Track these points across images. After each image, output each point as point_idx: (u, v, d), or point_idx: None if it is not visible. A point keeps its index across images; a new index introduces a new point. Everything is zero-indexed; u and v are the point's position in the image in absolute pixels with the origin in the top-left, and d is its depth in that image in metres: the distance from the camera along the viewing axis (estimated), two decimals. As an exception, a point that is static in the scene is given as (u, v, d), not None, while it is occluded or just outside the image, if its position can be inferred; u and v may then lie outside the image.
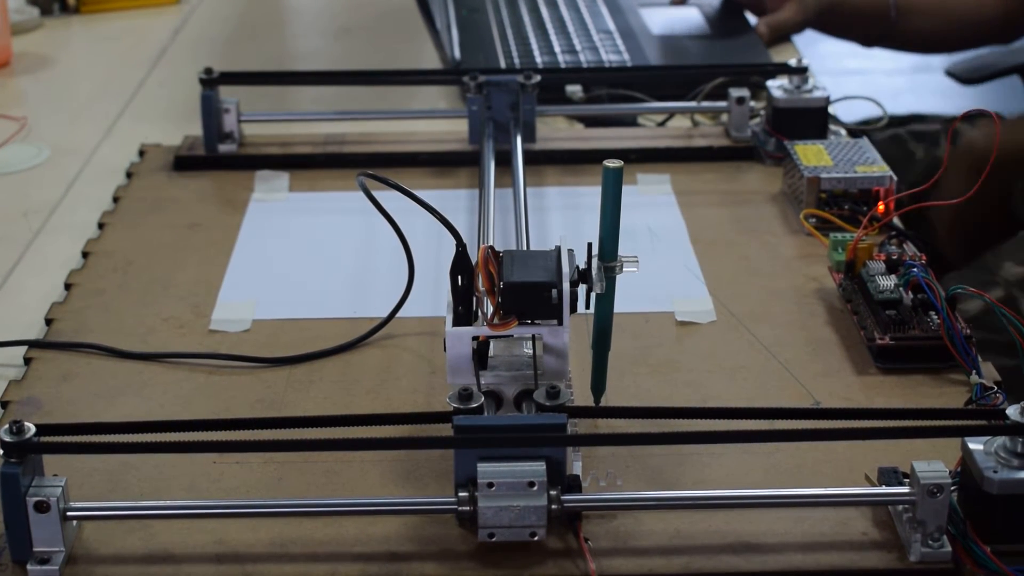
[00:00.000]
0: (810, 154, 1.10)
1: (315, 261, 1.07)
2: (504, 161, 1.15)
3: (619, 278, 1.02)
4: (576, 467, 0.75)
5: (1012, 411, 0.71)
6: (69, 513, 0.73)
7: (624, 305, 0.98)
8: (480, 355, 0.79)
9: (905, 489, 0.73)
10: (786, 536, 0.74)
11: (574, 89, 1.33)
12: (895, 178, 1.07)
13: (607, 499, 0.75)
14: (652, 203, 1.15)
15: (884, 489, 0.74)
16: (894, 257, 0.95)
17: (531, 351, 0.80)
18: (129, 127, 1.36)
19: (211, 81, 1.20)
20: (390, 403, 0.87)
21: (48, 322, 0.97)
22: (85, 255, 1.07)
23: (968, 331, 0.88)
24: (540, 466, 0.71)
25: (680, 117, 1.32)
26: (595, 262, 0.78)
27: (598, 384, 0.84)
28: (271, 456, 0.81)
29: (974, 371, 0.86)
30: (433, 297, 0.97)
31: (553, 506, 0.71)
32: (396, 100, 1.41)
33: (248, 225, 1.11)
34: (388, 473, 0.80)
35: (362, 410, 0.86)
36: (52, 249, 1.10)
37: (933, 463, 0.72)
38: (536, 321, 0.78)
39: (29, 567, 0.72)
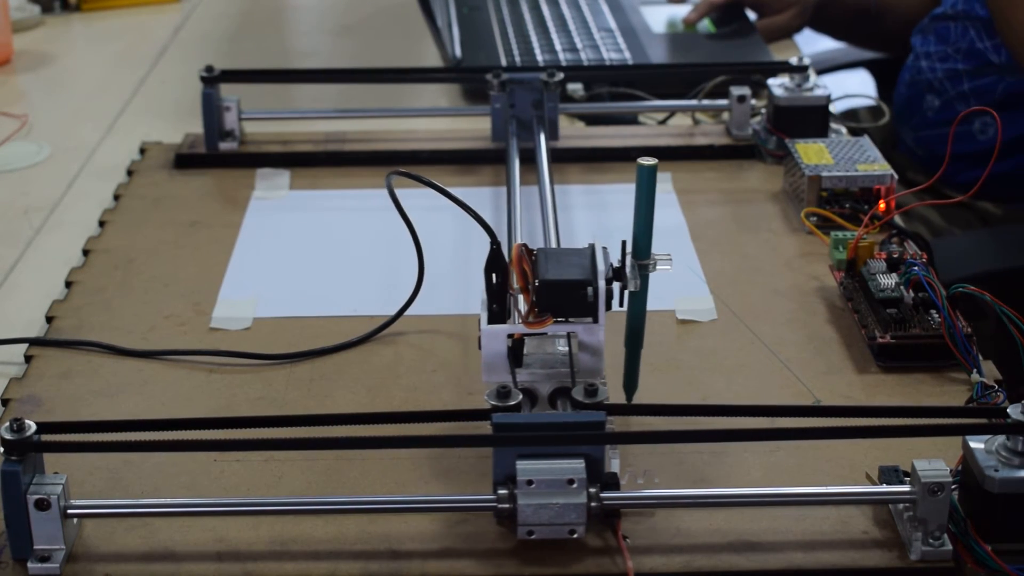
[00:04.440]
0: (811, 152, 1.10)
1: (316, 259, 1.07)
2: (520, 159, 1.14)
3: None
4: (614, 464, 0.75)
5: (1013, 410, 0.71)
6: (70, 511, 0.72)
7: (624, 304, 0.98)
8: (515, 353, 0.79)
9: (906, 488, 0.72)
10: (787, 534, 0.74)
11: (575, 87, 1.33)
12: (896, 176, 1.07)
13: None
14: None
15: (885, 488, 0.74)
16: (895, 255, 0.95)
17: (565, 349, 0.80)
18: (130, 125, 1.36)
19: (212, 79, 1.20)
20: (391, 401, 0.87)
21: (49, 320, 0.97)
22: (86, 253, 1.07)
23: (969, 330, 0.88)
24: (579, 464, 0.71)
25: (681, 115, 1.32)
26: (628, 260, 0.78)
27: (630, 382, 0.84)
28: (271, 454, 0.81)
29: (975, 370, 0.86)
30: (432, 296, 0.97)
31: (592, 504, 0.71)
32: (397, 98, 1.41)
33: (249, 223, 1.11)
34: (389, 472, 0.80)
35: (363, 408, 0.86)
36: (53, 247, 1.10)
37: (934, 462, 0.72)
38: (570, 319, 0.78)
39: (30, 565, 0.72)
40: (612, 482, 0.73)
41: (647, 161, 0.77)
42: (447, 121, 1.32)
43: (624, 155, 1.21)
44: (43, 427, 0.72)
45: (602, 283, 0.77)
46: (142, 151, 1.25)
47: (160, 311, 0.98)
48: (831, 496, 0.76)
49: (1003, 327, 0.84)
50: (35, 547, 0.72)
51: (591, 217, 1.12)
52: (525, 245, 0.79)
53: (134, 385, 0.89)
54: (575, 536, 0.72)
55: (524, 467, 0.71)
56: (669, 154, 1.22)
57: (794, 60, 1.21)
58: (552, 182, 1.07)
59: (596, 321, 0.77)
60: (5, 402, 0.87)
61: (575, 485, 0.71)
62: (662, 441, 0.78)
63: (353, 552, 0.73)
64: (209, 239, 1.09)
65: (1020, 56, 1.39)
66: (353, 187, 1.18)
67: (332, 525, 0.75)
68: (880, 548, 0.73)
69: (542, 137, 1.15)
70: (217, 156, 1.22)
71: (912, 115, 1.61)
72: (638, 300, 0.81)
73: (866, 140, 1.13)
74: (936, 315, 0.89)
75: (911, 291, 0.92)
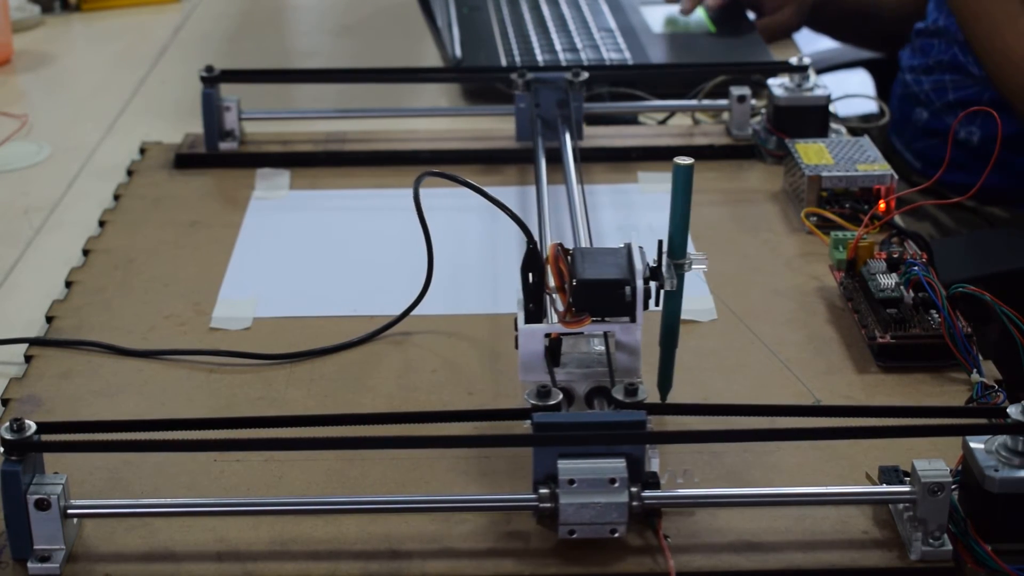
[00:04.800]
0: (811, 152, 1.10)
1: (316, 259, 1.07)
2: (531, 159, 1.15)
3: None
4: (654, 464, 0.75)
5: (1013, 410, 0.71)
6: (70, 511, 0.72)
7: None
8: (553, 352, 0.79)
9: (906, 488, 0.73)
10: (787, 534, 0.74)
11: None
12: (896, 176, 1.07)
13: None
14: (653, 201, 1.15)
15: (885, 488, 0.74)
16: (895, 255, 0.95)
17: (600, 348, 0.80)
18: (130, 125, 1.36)
19: (212, 79, 1.20)
20: (391, 401, 0.87)
21: (49, 320, 0.97)
22: (86, 253, 1.07)
23: (969, 330, 0.88)
24: (621, 463, 0.71)
25: (681, 115, 1.32)
26: (664, 259, 0.78)
27: (665, 381, 0.84)
28: (271, 454, 0.81)
29: (975, 370, 0.86)
30: (432, 297, 0.97)
31: (634, 503, 0.71)
32: (397, 98, 1.41)
33: (249, 223, 1.11)
34: (389, 472, 0.80)
35: (362, 408, 0.86)
36: (53, 247, 1.10)
37: (934, 462, 0.72)
38: (606, 318, 0.78)
39: (30, 565, 0.72)
40: (652, 481, 0.73)
41: (683, 160, 0.78)
42: (447, 121, 1.32)
43: (624, 155, 1.22)
44: (43, 427, 0.72)
45: (640, 282, 0.77)
46: (142, 151, 1.25)
47: (160, 311, 0.98)
48: (831, 496, 0.76)
49: (1005, 328, 0.85)
50: (35, 547, 0.72)
51: (594, 216, 1.12)
52: (561, 244, 0.79)
53: (134, 385, 0.89)
54: (616, 535, 0.72)
55: (566, 466, 0.71)
56: (669, 154, 1.21)
57: (794, 60, 1.21)
58: (581, 181, 1.06)
59: (634, 320, 0.78)
60: (5, 402, 0.87)
61: (617, 484, 0.71)
62: (704, 441, 0.78)
63: (353, 552, 0.73)
64: (209, 239, 1.09)
65: (1000, 81, 1.40)
66: (353, 187, 1.18)
67: (332, 525, 0.75)
68: (880, 548, 0.73)
69: (567, 137, 1.15)
70: (217, 156, 1.22)
71: (905, 128, 1.62)
72: (673, 299, 0.81)
73: (866, 140, 1.13)
74: (936, 315, 0.89)
75: (911, 291, 0.92)
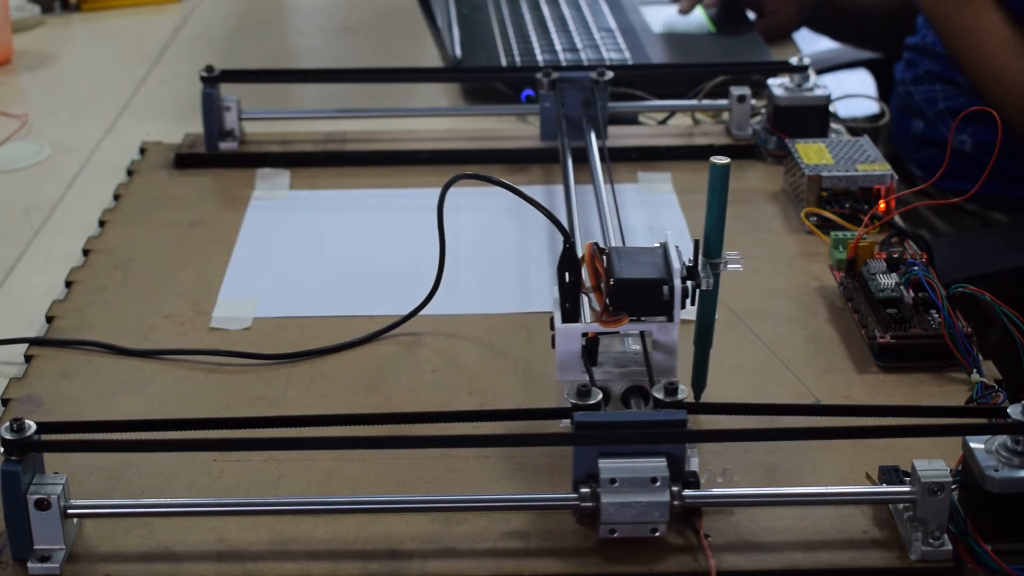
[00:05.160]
0: (811, 152, 1.10)
1: (316, 259, 1.07)
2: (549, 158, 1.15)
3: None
4: (693, 463, 0.75)
5: (1013, 410, 0.71)
6: (70, 511, 0.73)
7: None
8: (591, 352, 0.79)
9: (906, 488, 0.73)
10: (787, 534, 0.74)
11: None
12: (896, 176, 1.07)
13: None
14: (653, 201, 1.15)
15: (885, 488, 0.74)
16: (895, 255, 0.96)
17: (635, 347, 0.80)
18: (130, 125, 1.36)
19: (212, 79, 1.20)
20: (391, 401, 0.87)
21: (49, 320, 0.97)
22: (86, 253, 1.07)
23: (969, 329, 0.88)
24: (662, 462, 0.71)
25: (681, 115, 1.32)
26: (701, 259, 0.79)
27: (699, 381, 0.84)
28: (271, 454, 0.81)
29: (975, 370, 0.86)
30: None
31: (675, 502, 0.71)
32: (397, 98, 1.41)
33: (249, 223, 1.11)
34: (389, 472, 0.80)
35: (362, 408, 0.86)
36: (53, 247, 1.10)
37: (934, 462, 0.72)
38: (643, 318, 0.78)
39: (30, 565, 0.72)
40: (692, 481, 0.73)
41: (720, 160, 0.78)
42: (447, 121, 1.32)
43: (624, 155, 1.21)
44: (43, 427, 0.72)
45: (678, 282, 0.77)
46: (142, 151, 1.25)
47: (160, 311, 0.98)
48: (831, 496, 0.76)
49: (1006, 331, 0.85)
50: (35, 547, 0.72)
51: (592, 217, 1.12)
52: (596, 244, 0.79)
53: (134, 385, 0.89)
54: (656, 534, 0.72)
55: (607, 466, 0.71)
56: (669, 154, 1.22)
57: (794, 60, 1.21)
58: (611, 181, 1.06)
59: (671, 320, 0.78)
60: (5, 402, 0.87)
61: (659, 484, 0.71)
62: (747, 440, 0.79)
63: (353, 552, 0.73)
64: (209, 239, 1.09)
65: (985, 91, 1.41)
66: (353, 187, 1.18)
67: (332, 525, 0.75)
68: (880, 548, 0.73)
69: (593, 136, 1.15)
70: (217, 156, 1.22)
71: (904, 139, 1.63)
72: (709, 299, 0.81)
73: (866, 140, 1.13)
74: (936, 315, 0.89)
75: (911, 291, 0.92)
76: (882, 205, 1.05)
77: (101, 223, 1.12)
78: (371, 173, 1.20)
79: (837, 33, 1.81)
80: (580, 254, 0.80)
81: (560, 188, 1.11)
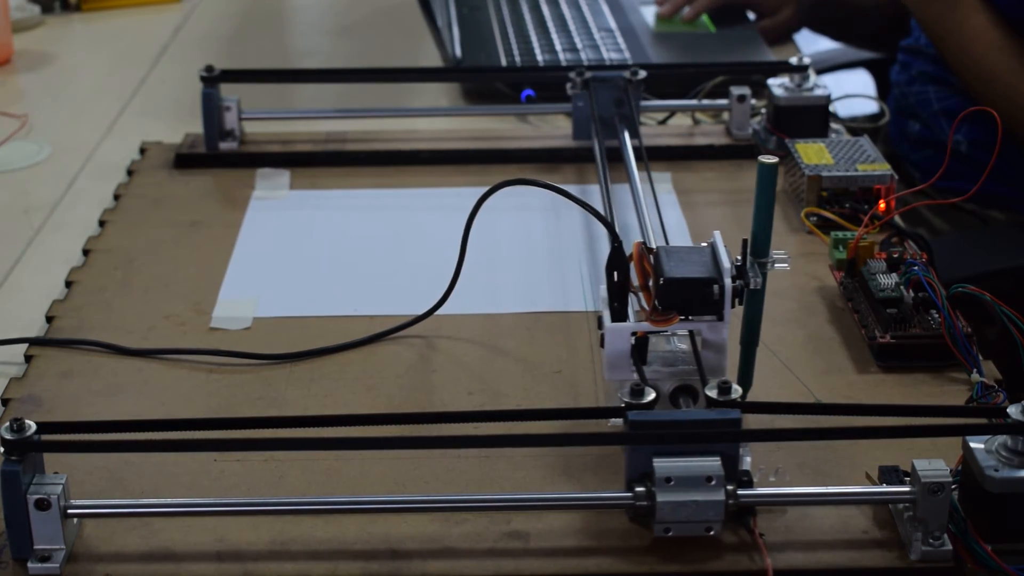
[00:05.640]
0: (811, 152, 1.10)
1: (316, 259, 1.07)
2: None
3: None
4: (746, 462, 0.75)
5: (1013, 410, 0.71)
6: (70, 511, 0.72)
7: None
8: (640, 351, 0.79)
9: (906, 488, 0.72)
10: (787, 534, 0.74)
11: (575, 87, 1.33)
12: (896, 176, 1.07)
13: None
14: (653, 201, 1.14)
15: (885, 488, 0.74)
16: (895, 255, 0.96)
17: (682, 346, 0.80)
18: (130, 125, 1.36)
19: (212, 79, 1.20)
20: (391, 401, 0.87)
21: (49, 320, 0.97)
22: (86, 253, 1.07)
23: (969, 329, 0.88)
24: (716, 461, 0.71)
25: (681, 115, 1.32)
26: (749, 258, 0.79)
27: (745, 379, 0.84)
28: (271, 454, 0.81)
29: (975, 370, 0.86)
30: (429, 297, 0.97)
31: (730, 501, 0.72)
32: (397, 98, 1.41)
33: (249, 223, 1.11)
34: (389, 472, 0.80)
35: (362, 408, 0.86)
36: (53, 247, 1.10)
37: (934, 462, 0.72)
38: (691, 317, 0.78)
39: (30, 565, 0.72)
40: (746, 480, 0.73)
41: (768, 159, 0.78)
42: (447, 121, 1.32)
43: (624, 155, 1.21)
44: (43, 427, 0.72)
45: (728, 281, 0.77)
46: (142, 151, 1.25)
47: (160, 311, 0.98)
48: (831, 496, 0.76)
49: (1005, 330, 0.85)
50: (35, 547, 0.72)
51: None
52: (644, 243, 0.79)
53: (134, 385, 0.89)
54: (711, 533, 0.72)
55: (662, 465, 0.71)
56: (669, 154, 1.22)
57: (794, 60, 1.21)
58: (651, 180, 1.06)
59: (721, 319, 0.78)
60: (5, 402, 0.87)
61: (714, 483, 0.71)
62: (805, 439, 0.79)
63: (353, 552, 0.73)
64: (209, 239, 1.09)
65: (977, 93, 1.41)
66: (353, 187, 1.18)
67: (332, 525, 0.75)
68: (880, 548, 0.73)
69: (626, 135, 1.15)
70: (217, 156, 1.22)
71: (902, 141, 1.63)
72: (756, 298, 0.81)
73: (866, 140, 1.13)
74: (936, 315, 0.89)
75: (911, 291, 0.92)
76: (882, 205, 1.05)
77: (101, 223, 1.12)
78: (371, 173, 1.20)
79: (837, 33, 1.81)
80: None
81: (594, 187, 1.11)
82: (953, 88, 1.53)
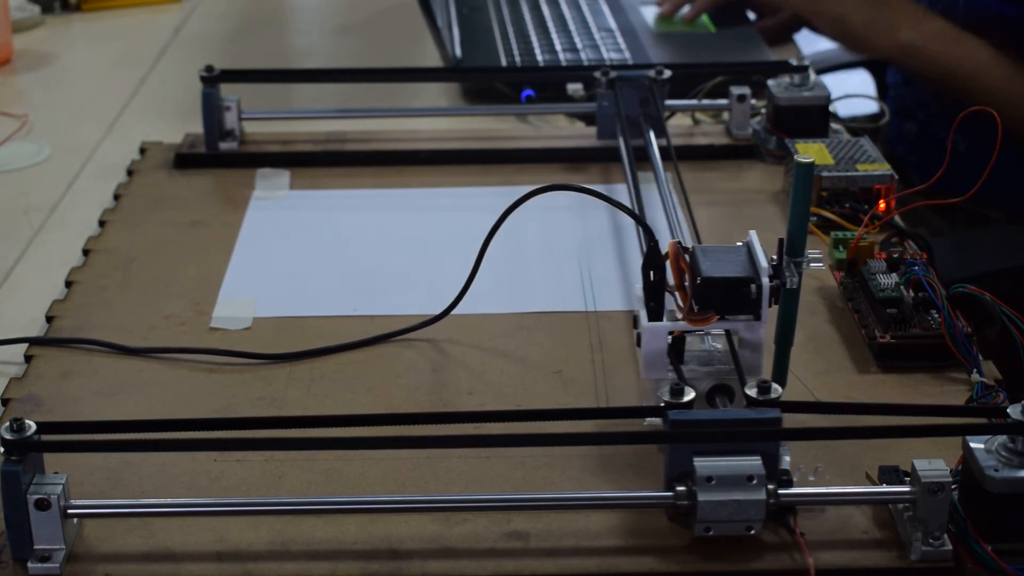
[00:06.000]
0: (811, 152, 1.10)
1: (316, 259, 1.06)
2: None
3: (621, 276, 1.03)
4: (785, 461, 0.75)
5: (1013, 410, 0.71)
6: (70, 511, 0.72)
7: (625, 303, 0.98)
8: (677, 350, 0.79)
9: (906, 488, 0.72)
10: (787, 534, 0.74)
11: (575, 87, 1.33)
12: (896, 176, 1.07)
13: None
14: (652, 201, 1.14)
15: (885, 488, 0.74)
16: (895, 255, 0.96)
17: (716, 345, 0.80)
18: (130, 125, 1.36)
19: (212, 79, 1.20)
20: (391, 401, 0.87)
21: (49, 320, 0.97)
22: (86, 253, 1.07)
23: (969, 329, 0.88)
24: (757, 461, 0.71)
25: (681, 115, 1.32)
26: (785, 257, 0.79)
27: (780, 379, 0.84)
28: (271, 454, 0.81)
29: (975, 370, 0.86)
30: (429, 297, 0.97)
31: (771, 500, 0.72)
32: (397, 98, 1.41)
33: (249, 223, 1.11)
34: (389, 472, 0.80)
35: (363, 408, 0.86)
36: (53, 247, 1.10)
37: (934, 462, 0.72)
38: (728, 316, 0.78)
39: (30, 565, 0.72)
40: (785, 479, 0.73)
41: (804, 159, 0.78)
42: (447, 121, 1.32)
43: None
44: (43, 427, 0.72)
45: (766, 280, 0.77)
46: (142, 151, 1.25)
47: (160, 311, 0.98)
48: (831, 495, 0.76)
49: (1005, 330, 0.85)
50: (35, 547, 0.72)
51: (591, 216, 1.12)
52: (679, 242, 0.79)
53: (134, 385, 0.89)
54: (752, 532, 0.72)
55: (703, 464, 0.71)
56: (669, 154, 1.22)
57: (794, 60, 1.21)
58: (680, 179, 1.06)
59: (758, 318, 0.78)
60: (5, 402, 0.87)
61: (755, 482, 0.71)
62: (848, 438, 0.79)
63: (353, 552, 0.73)
64: (209, 239, 1.09)
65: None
66: (353, 187, 1.18)
67: (332, 525, 0.75)
68: (880, 548, 0.73)
69: (652, 135, 1.15)
70: (217, 156, 1.22)
71: (900, 142, 1.63)
72: (792, 298, 0.81)
73: (866, 140, 1.13)
74: (936, 315, 0.89)
75: (911, 291, 0.92)
76: (882, 205, 1.04)
77: (101, 223, 1.12)
78: (371, 173, 1.20)
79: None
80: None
81: (620, 187, 1.11)
82: (964, 33, 1.52)
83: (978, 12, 1.45)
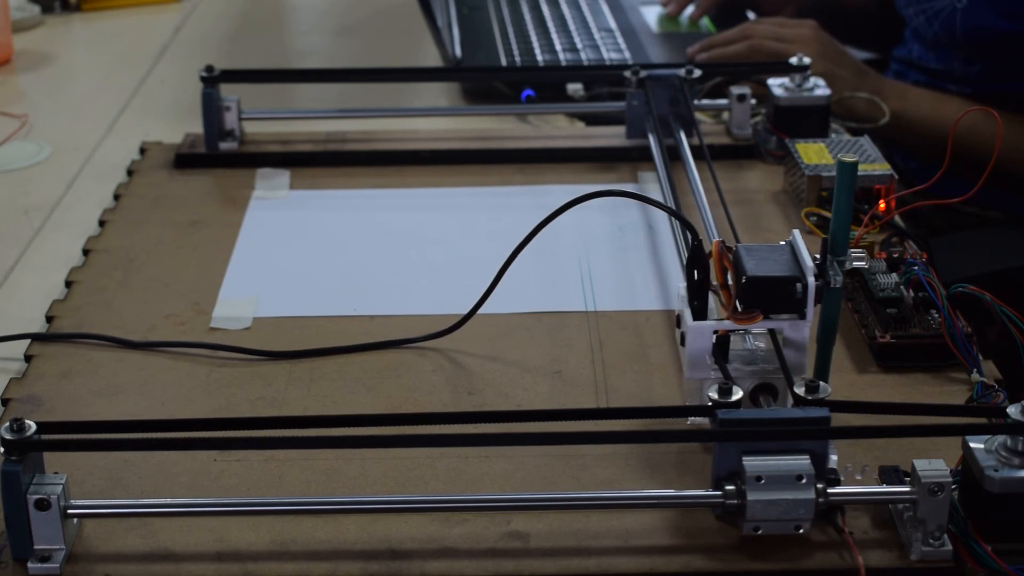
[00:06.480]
0: (811, 152, 1.10)
1: (316, 259, 1.07)
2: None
3: (621, 277, 1.03)
4: (832, 460, 0.75)
5: (1013, 410, 0.71)
6: (70, 511, 0.72)
7: (625, 303, 0.98)
8: (722, 349, 0.79)
9: (906, 488, 0.72)
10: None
11: (575, 87, 1.33)
12: (896, 176, 1.07)
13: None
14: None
15: (885, 488, 0.74)
16: (895, 255, 0.95)
17: (759, 344, 0.81)
18: (130, 125, 1.36)
19: (212, 79, 1.20)
20: (391, 401, 0.87)
21: (49, 319, 0.97)
22: (86, 252, 1.07)
23: (969, 329, 0.88)
24: (806, 460, 0.71)
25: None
26: (829, 257, 0.79)
27: (822, 378, 0.84)
28: (271, 454, 0.81)
29: (975, 369, 0.86)
30: (428, 297, 0.97)
31: (820, 499, 0.72)
32: (397, 98, 1.41)
33: (249, 223, 1.11)
34: (389, 472, 0.80)
35: (363, 408, 0.86)
36: (53, 246, 1.10)
37: (934, 461, 0.72)
38: (771, 315, 0.78)
39: (30, 565, 0.72)
40: (833, 478, 0.73)
41: (848, 158, 0.78)
42: (447, 121, 1.32)
43: (624, 155, 1.21)
44: (43, 427, 0.72)
45: (811, 279, 0.77)
46: (142, 151, 1.25)
47: (160, 311, 0.98)
48: (831, 495, 0.75)
49: (1005, 330, 0.85)
50: (35, 547, 0.72)
51: (593, 216, 1.12)
52: (723, 241, 0.79)
53: (134, 385, 0.89)
54: (800, 532, 0.72)
55: (752, 464, 0.71)
56: (669, 154, 1.22)
57: (794, 60, 1.21)
58: (715, 177, 1.06)
59: (803, 318, 0.78)
60: (5, 402, 0.87)
61: (804, 481, 0.71)
62: (889, 436, 0.78)
63: (353, 552, 0.73)
64: (209, 239, 1.09)
65: None
66: (353, 187, 1.19)
67: (332, 525, 0.75)
68: (880, 548, 0.73)
69: (682, 134, 1.16)
70: (217, 156, 1.22)
71: (899, 147, 1.62)
72: (835, 297, 0.81)
73: (866, 140, 1.13)
74: (936, 315, 0.89)
75: (911, 291, 0.92)
76: (882, 205, 1.04)
77: (101, 223, 1.12)
78: (371, 173, 1.20)
79: (836, 33, 1.81)
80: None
81: (652, 187, 1.12)
82: (948, 94, 1.53)
83: (975, 29, 1.46)
